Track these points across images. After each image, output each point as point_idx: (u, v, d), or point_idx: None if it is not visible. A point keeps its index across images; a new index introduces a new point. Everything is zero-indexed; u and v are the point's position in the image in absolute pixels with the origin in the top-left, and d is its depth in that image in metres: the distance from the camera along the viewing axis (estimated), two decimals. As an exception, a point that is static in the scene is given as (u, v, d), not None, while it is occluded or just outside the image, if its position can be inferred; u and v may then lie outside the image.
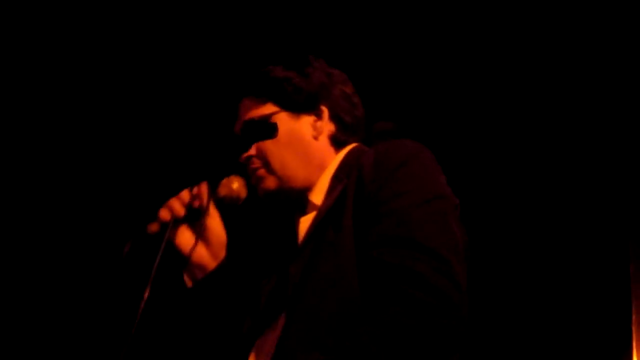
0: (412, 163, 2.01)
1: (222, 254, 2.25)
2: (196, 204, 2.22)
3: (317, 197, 2.19)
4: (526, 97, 3.64)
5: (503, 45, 3.63)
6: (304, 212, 2.23)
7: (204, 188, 2.23)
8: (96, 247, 3.78)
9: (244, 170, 2.32)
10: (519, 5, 3.58)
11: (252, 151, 2.28)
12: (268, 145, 2.25)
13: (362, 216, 1.98)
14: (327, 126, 2.27)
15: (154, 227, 2.17)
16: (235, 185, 2.28)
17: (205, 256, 2.23)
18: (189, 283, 2.26)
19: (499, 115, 3.65)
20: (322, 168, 2.24)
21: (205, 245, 2.23)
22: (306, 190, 2.24)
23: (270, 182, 2.26)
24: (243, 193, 2.28)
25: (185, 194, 2.23)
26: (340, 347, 1.82)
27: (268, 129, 2.25)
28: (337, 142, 2.28)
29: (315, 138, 2.26)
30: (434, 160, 2.06)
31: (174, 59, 3.90)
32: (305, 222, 2.17)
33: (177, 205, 2.20)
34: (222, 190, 2.27)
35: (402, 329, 1.79)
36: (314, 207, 2.19)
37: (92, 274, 3.83)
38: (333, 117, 2.28)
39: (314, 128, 2.26)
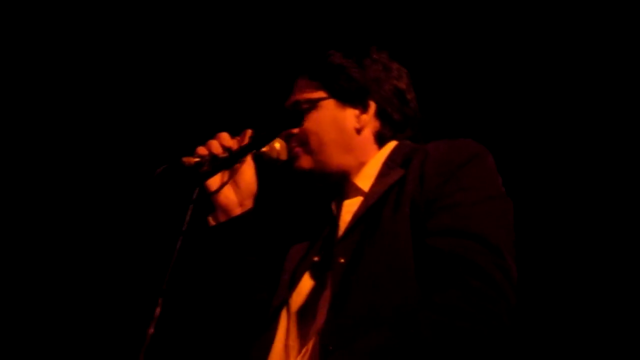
0: (477, 162, 2.05)
1: (249, 203, 2.26)
2: (235, 148, 2.22)
3: (364, 182, 2.18)
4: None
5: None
6: (346, 197, 2.22)
7: (247, 136, 2.24)
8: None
9: None
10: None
11: (295, 130, 2.28)
12: (310, 126, 2.24)
13: (422, 206, 2.00)
14: (372, 121, 2.26)
15: (189, 160, 2.18)
16: (278, 145, 2.28)
17: (232, 200, 2.24)
18: (211, 222, 2.26)
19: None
20: (359, 156, 2.23)
21: (234, 189, 2.24)
22: (341, 174, 2.23)
23: (305, 162, 2.24)
24: (283, 156, 2.28)
25: (226, 136, 2.24)
26: (398, 329, 1.87)
27: (295, 117, 2.27)
28: (381, 138, 2.26)
29: (358, 131, 2.24)
30: (494, 163, 2.10)
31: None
32: (350, 206, 2.16)
33: (217, 145, 2.22)
34: (264, 147, 2.27)
35: (459, 317, 1.86)
36: (359, 191, 2.18)
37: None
38: (380, 114, 2.26)
39: (358, 121, 2.25)
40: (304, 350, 2.04)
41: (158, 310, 1.80)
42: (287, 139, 2.28)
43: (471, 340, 1.86)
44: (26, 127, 4.04)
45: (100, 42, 4.01)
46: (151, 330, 1.78)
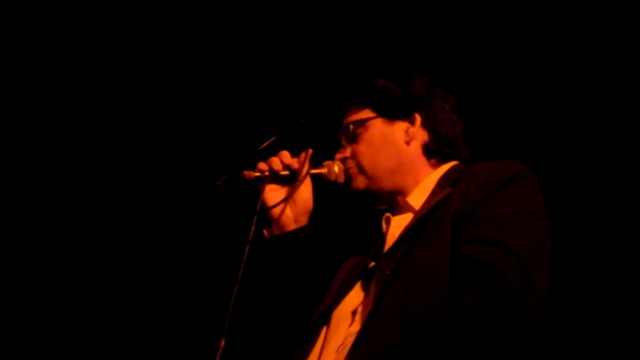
0: (521, 181, 2.08)
1: (304, 220, 2.33)
2: (295, 166, 2.30)
3: (416, 200, 2.23)
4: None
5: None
6: (397, 213, 2.27)
7: (308, 155, 2.31)
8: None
9: None
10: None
11: (347, 152, 2.35)
12: (362, 148, 2.32)
13: (462, 218, 2.03)
14: (420, 134, 2.32)
15: (250, 174, 2.26)
16: (337, 168, 2.35)
17: (288, 216, 2.31)
18: (266, 235, 2.33)
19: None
20: (412, 173, 2.29)
21: (290, 205, 2.31)
22: (395, 193, 2.29)
23: (360, 182, 2.31)
24: (341, 179, 2.34)
25: (286, 154, 2.32)
26: (408, 331, 1.87)
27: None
28: (429, 151, 2.32)
29: (407, 143, 2.31)
30: (538, 186, 2.12)
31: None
32: (399, 221, 2.21)
33: (277, 162, 2.30)
34: (323, 168, 2.34)
35: (472, 321, 1.85)
36: (410, 209, 2.23)
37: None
38: (427, 127, 2.33)
39: (407, 134, 2.32)
40: (335, 355, 2.07)
41: (227, 323, 1.87)
42: (343, 161, 2.35)
43: (481, 345, 1.84)
44: (86, 135, 4.14)
45: (175, 51, 4.11)
46: (222, 343, 1.84)
